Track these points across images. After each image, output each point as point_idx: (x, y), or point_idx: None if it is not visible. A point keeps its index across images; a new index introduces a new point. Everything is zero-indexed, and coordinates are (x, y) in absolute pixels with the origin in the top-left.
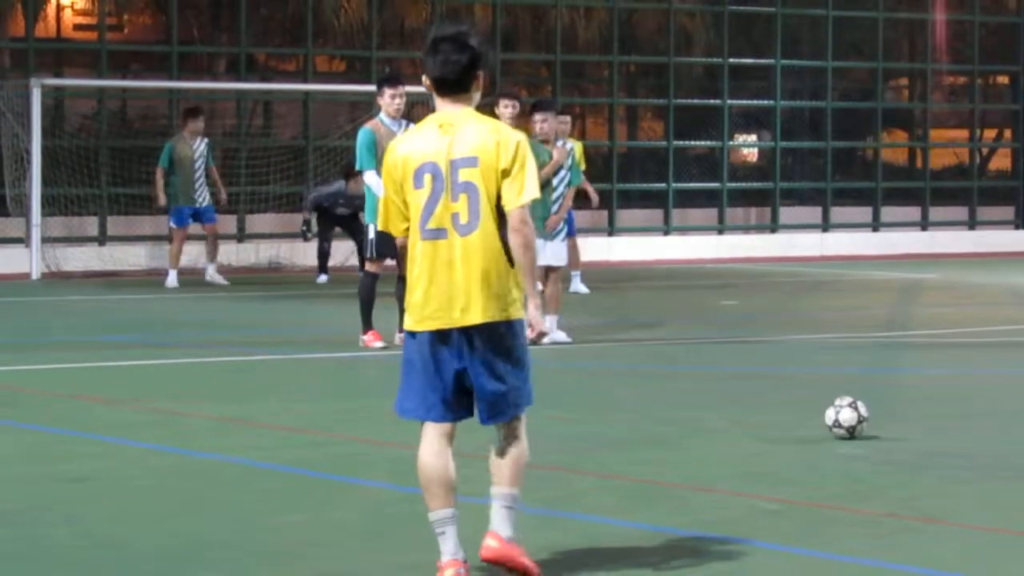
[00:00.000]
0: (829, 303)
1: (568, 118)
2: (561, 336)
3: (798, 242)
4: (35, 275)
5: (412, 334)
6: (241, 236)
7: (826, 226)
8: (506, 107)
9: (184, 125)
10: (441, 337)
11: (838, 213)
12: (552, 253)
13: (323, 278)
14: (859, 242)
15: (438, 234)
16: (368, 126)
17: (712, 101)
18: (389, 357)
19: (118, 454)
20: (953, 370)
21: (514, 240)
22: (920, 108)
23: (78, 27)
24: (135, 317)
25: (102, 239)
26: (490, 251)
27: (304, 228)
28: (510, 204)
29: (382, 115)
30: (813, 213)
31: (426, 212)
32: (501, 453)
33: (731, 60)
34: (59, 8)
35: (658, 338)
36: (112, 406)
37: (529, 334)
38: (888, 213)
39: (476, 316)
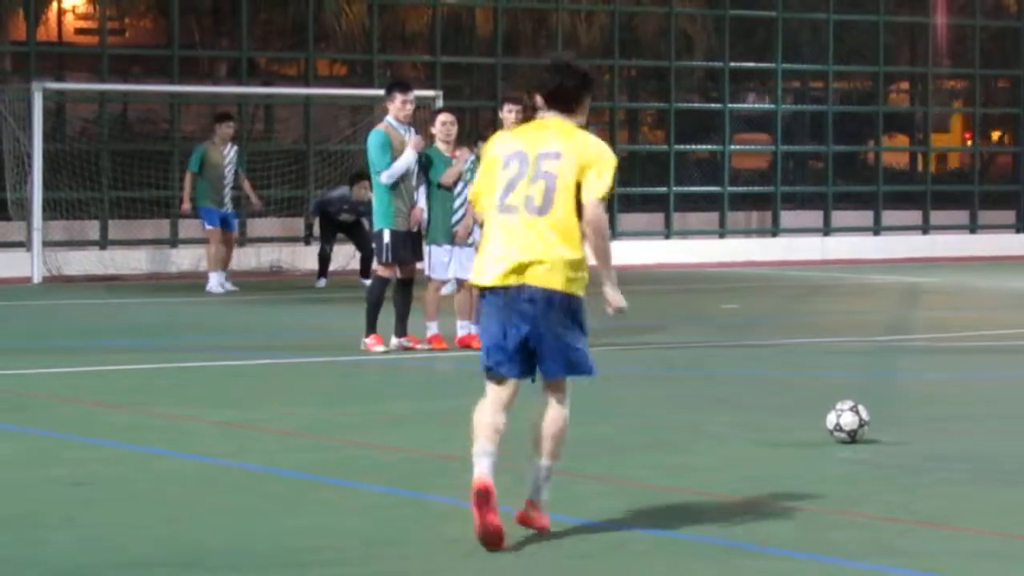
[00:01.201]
0: (830, 307)
1: None
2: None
3: (799, 246)
4: (36, 279)
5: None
6: (242, 240)
7: (827, 230)
8: (510, 111)
9: (215, 130)
10: (507, 295)
11: (839, 217)
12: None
13: (322, 282)
14: (860, 246)
15: (511, 210)
16: (380, 128)
17: (713, 105)
18: (390, 361)
19: (119, 458)
20: (953, 374)
21: (588, 229)
22: (921, 112)
23: (79, 31)
24: (136, 321)
25: (103, 243)
26: (556, 231)
27: (306, 232)
28: (586, 198)
29: (391, 119)
30: (814, 217)
31: (506, 191)
32: (547, 415)
33: (732, 64)
34: (60, 12)
35: (659, 342)
36: (113, 410)
37: (608, 311)
38: (889, 217)
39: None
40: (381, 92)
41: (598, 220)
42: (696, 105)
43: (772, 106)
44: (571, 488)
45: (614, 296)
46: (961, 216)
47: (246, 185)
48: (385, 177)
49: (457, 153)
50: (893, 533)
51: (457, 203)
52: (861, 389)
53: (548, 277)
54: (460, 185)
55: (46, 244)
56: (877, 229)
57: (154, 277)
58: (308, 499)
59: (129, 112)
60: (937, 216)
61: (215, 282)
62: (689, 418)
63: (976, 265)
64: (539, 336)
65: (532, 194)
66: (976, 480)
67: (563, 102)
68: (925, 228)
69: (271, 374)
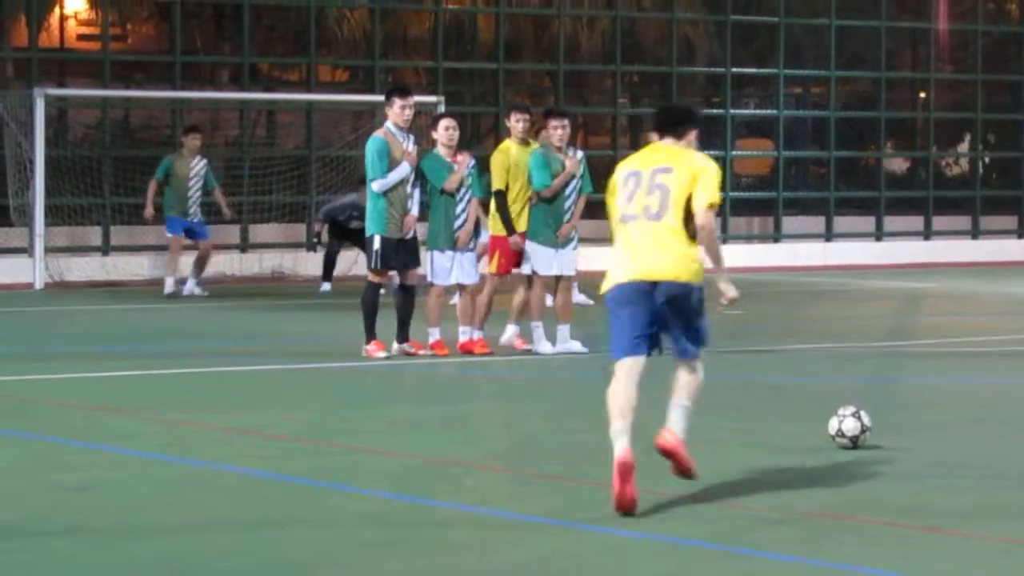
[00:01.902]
0: (832, 312)
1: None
2: (576, 346)
3: (801, 252)
4: (38, 285)
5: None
6: (244, 246)
7: (829, 235)
8: (518, 120)
9: (183, 142)
10: (637, 289)
11: (841, 223)
12: (563, 263)
13: (326, 287)
14: (862, 251)
15: (632, 218)
16: (379, 134)
17: (715, 111)
18: (392, 366)
19: (122, 463)
20: (955, 379)
21: (701, 232)
22: (923, 117)
23: (81, 37)
24: (138, 327)
25: (105, 249)
26: (672, 233)
27: (315, 240)
28: (697, 206)
29: (390, 125)
30: (816, 223)
31: (627, 202)
32: (685, 376)
33: (734, 69)
34: (62, 18)
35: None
36: (115, 416)
37: (722, 302)
38: (891, 223)
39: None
40: (383, 98)
41: (709, 224)
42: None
43: (774, 111)
44: (571, 493)
45: (727, 288)
46: (963, 222)
47: (217, 194)
48: (378, 186)
49: (459, 158)
50: (895, 539)
51: (459, 208)
52: (863, 394)
53: (673, 270)
54: (462, 191)
55: (48, 250)
56: (879, 234)
57: (156, 283)
58: (310, 505)
59: (131, 118)
60: (939, 222)
61: (170, 284)
62: (691, 423)
63: (978, 270)
64: (668, 322)
65: (649, 203)
66: (978, 486)
67: (672, 128)
68: (927, 233)
69: (273, 380)
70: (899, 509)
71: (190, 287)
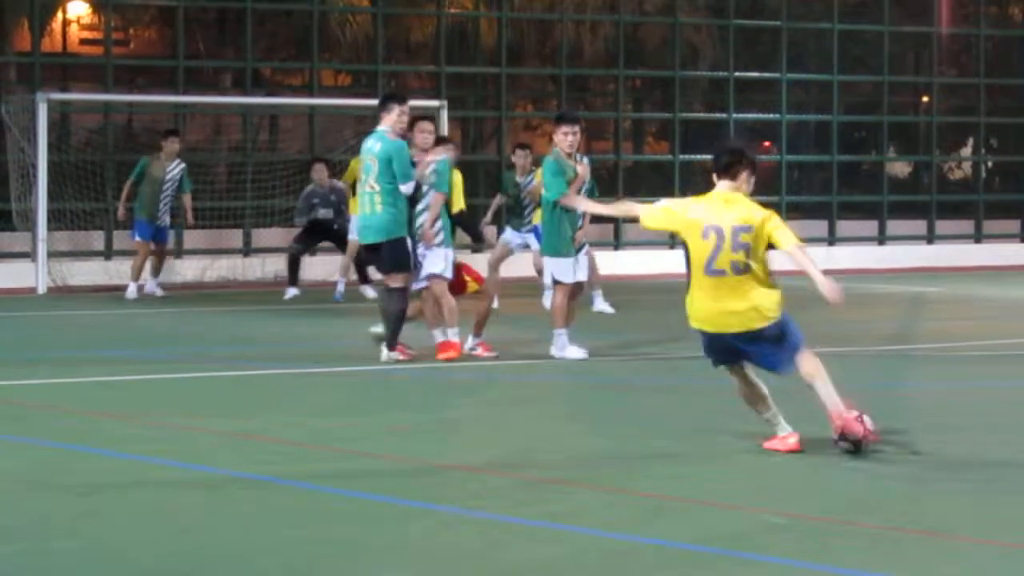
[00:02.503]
0: (834, 317)
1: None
2: (580, 353)
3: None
4: (41, 290)
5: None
6: (247, 250)
7: (832, 239)
8: (566, 135)
9: (161, 146)
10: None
11: (844, 226)
12: (581, 269)
13: (292, 292)
14: (865, 255)
15: (720, 273)
16: (395, 138)
17: (718, 115)
18: (395, 371)
19: (125, 469)
20: (959, 383)
21: (796, 256)
22: (926, 121)
23: (84, 42)
24: (141, 332)
25: (108, 254)
26: (758, 284)
27: (295, 247)
28: (786, 246)
29: (386, 130)
30: (819, 227)
31: (711, 257)
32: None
33: (737, 74)
34: (65, 23)
35: (665, 352)
36: (119, 421)
37: (834, 299)
38: (894, 227)
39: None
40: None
41: (798, 252)
42: (701, 115)
43: (777, 116)
44: (575, 498)
45: (831, 288)
46: (966, 226)
47: (187, 199)
48: (408, 188)
49: (430, 156)
50: (898, 543)
51: (420, 206)
52: (865, 399)
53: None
54: (424, 187)
55: (51, 255)
56: (882, 239)
57: (159, 288)
58: (313, 509)
59: (134, 123)
60: (942, 226)
61: (132, 289)
62: (695, 428)
63: (981, 274)
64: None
65: (737, 259)
66: (981, 490)
67: (726, 171)
68: (930, 238)
69: (275, 384)
70: (902, 513)
71: (151, 287)
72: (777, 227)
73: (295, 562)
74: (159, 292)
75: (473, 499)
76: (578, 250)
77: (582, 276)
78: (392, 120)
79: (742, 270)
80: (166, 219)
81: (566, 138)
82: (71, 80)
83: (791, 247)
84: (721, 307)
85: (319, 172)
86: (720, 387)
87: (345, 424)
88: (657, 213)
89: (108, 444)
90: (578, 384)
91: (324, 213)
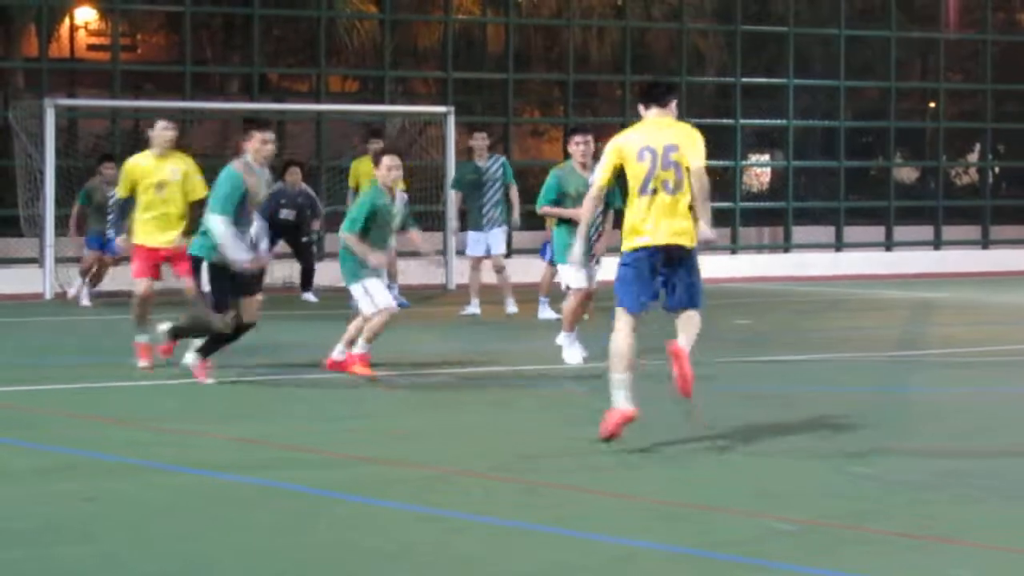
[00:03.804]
0: (841, 322)
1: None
2: (576, 358)
3: (811, 261)
4: (48, 295)
5: (633, 251)
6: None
7: (839, 245)
8: (578, 144)
9: (99, 171)
10: (651, 253)
11: (851, 232)
12: (592, 277)
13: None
14: (872, 261)
15: (653, 192)
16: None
17: (724, 120)
18: (398, 377)
19: (130, 474)
20: (965, 389)
21: (697, 183)
22: (932, 127)
23: (91, 47)
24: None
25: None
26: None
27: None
28: (695, 164)
29: (249, 159)
30: (826, 232)
31: (646, 177)
32: (684, 324)
33: (743, 79)
34: (72, 29)
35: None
36: (125, 426)
37: (708, 239)
38: (900, 232)
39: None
40: (393, 108)
41: (703, 178)
42: (708, 120)
43: (783, 121)
44: (581, 503)
45: (708, 234)
46: (973, 231)
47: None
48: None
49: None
50: (903, 549)
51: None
52: (872, 404)
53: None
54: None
55: (58, 260)
56: (889, 244)
57: (164, 293)
58: (319, 515)
59: (141, 128)
60: (949, 231)
61: (84, 294)
62: (698, 433)
63: (988, 280)
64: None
65: (667, 178)
66: (988, 496)
67: (659, 100)
68: (937, 243)
69: (282, 390)
70: (909, 519)
71: (84, 296)
72: (693, 145)
73: (300, 568)
74: (87, 303)
75: (477, 504)
76: (593, 258)
77: (587, 283)
78: (254, 147)
79: (673, 189)
80: (112, 233)
81: (578, 147)
82: (78, 86)
83: (697, 169)
84: (656, 225)
85: (293, 175)
86: (724, 392)
87: (348, 429)
88: (602, 163)
89: (114, 449)
90: (580, 388)
91: (287, 214)
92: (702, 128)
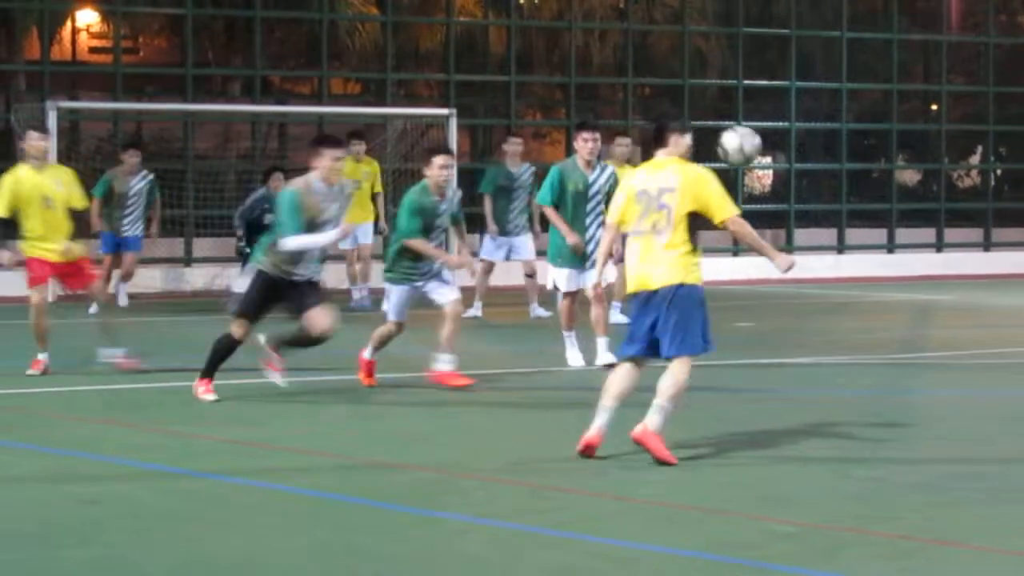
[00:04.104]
0: (844, 325)
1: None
2: (576, 360)
3: (813, 264)
4: (50, 297)
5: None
6: None
7: (841, 248)
8: (586, 141)
9: (121, 159)
10: (644, 298)
11: (853, 235)
12: (583, 278)
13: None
14: (874, 264)
15: (643, 234)
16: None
17: (726, 123)
18: (401, 380)
19: (132, 476)
20: (967, 391)
21: (739, 233)
22: (935, 129)
23: (93, 50)
24: (150, 339)
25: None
26: (676, 246)
27: (243, 249)
28: (720, 218)
29: (312, 178)
30: (828, 235)
31: (639, 218)
32: (668, 376)
33: (746, 82)
34: (75, 31)
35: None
36: (127, 428)
37: (787, 268)
38: (903, 235)
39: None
40: (395, 110)
41: (742, 227)
42: (710, 123)
43: (786, 124)
44: (584, 506)
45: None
46: (975, 234)
47: (155, 208)
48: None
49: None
50: (907, 552)
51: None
52: (874, 407)
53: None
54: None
55: None
56: (891, 247)
57: (167, 296)
58: (321, 517)
59: (143, 131)
60: (951, 234)
61: (121, 293)
62: (702, 436)
63: (990, 282)
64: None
65: (657, 220)
66: (991, 499)
67: (657, 141)
68: (939, 246)
69: (284, 392)
70: (911, 522)
71: (121, 293)
72: (712, 193)
73: (303, 571)
74: (125, 303)
75: (481, 507)
76: (584, 259)
77: (576, 285)
78: (324, 165)
79: (662, 231)
80: (134, 230)
81: (586, 145)
82: (80, 88)
83: (730, 219)
84: (643, 269)
85: (276, 181)
86: (725, 395)
87: (348, 431)
88: (616, 201)
89: (116, 452)
90: (582, 392)
91: (270, 219)
92: (704, 131)
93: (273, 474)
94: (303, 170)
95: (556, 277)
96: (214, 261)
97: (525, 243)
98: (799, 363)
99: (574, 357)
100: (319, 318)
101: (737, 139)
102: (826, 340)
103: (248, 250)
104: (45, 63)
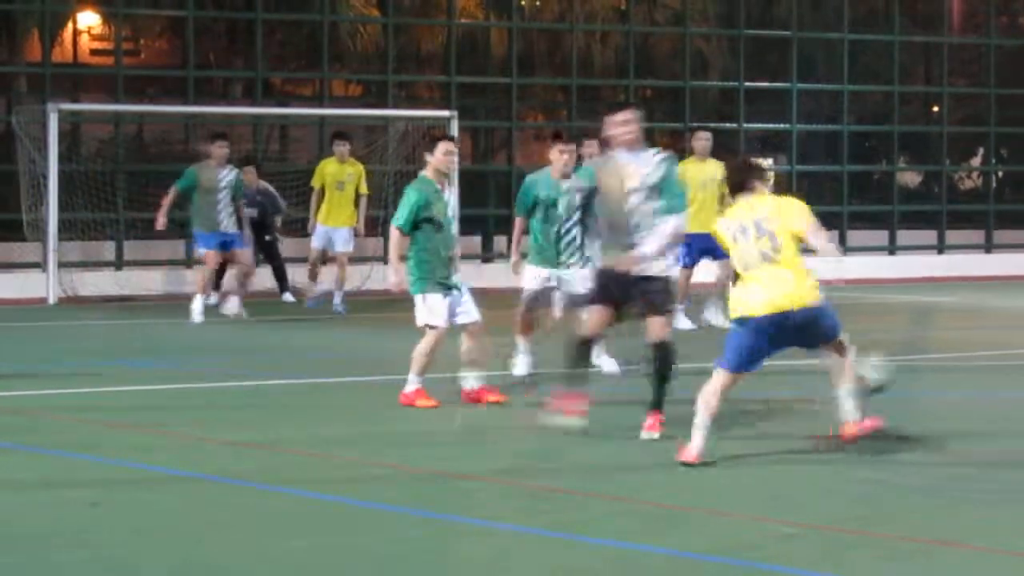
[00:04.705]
0: (845, 326)
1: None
2: (521, 368)
3: (814, 265)
4: (52, 300)
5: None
6: (257, 261)
7: (842, 249)
8: (562, 153)
9: (208, 151)
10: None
11: (854, 236)
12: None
13: (213, 299)
14: (875, 265)
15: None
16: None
17: (728, 125)
18: (402, 381)
19: (134, 478)
20: (969, 393)
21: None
22: (936, 131)
23: (95, 52)
24: (152, 342)
25: (118, 264)
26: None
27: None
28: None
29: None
30: (829, 237)
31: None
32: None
33: (747, 84)
34: (76, 33)
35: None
36: (128, 430)
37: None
38: (904, 236)
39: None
40: (396, 112)
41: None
42: (711, 125)
43: (787, 126)
44: (585, 507)
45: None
46: (976, 236)
47: (241, 206)
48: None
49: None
50: (905, 553)
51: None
52: (877, 409)
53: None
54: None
55: (61, 265)
56: (892, 248)
57: (169, 298)
58: (321, 517)
59: (144, 133)
60: (952, 235)
61: (199, 308)
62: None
63: (991, 284)
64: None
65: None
66: (994, 500)
67: (739, 190)
68: (940, 247)
69: (285, 394)
70: (912, 523)
71: (230, 306)
72: (811, 220)
73: (303, 571)
74: (238, 311)
75: (480, 508)
76: (558, 266)
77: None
78: (437, 158)
79: (773, 257)
80: (231, 227)
81: (563, 157)
82: (81, 90)
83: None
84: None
85: (248, 174)
86: (729, 397)
87: (352, 433)
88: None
89: (118, 454)
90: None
91: (249, 212)
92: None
93: (271, 475)
94: (310, 172)
95: (528, 276)
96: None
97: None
98: (799, 364)
99: (520, 366)
100: (653, 327)
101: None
102: None
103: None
104: (46, 65)
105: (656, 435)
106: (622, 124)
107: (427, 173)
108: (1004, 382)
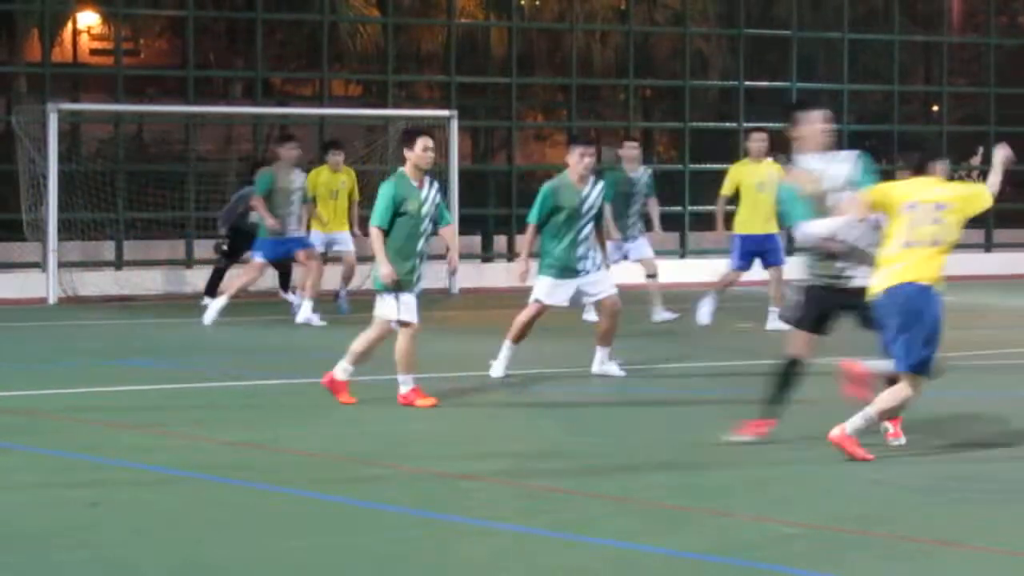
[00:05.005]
0: (845, 326)
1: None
2: (497, 371)
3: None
4: (52, 299)
5: None
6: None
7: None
8: (583, 156)
9: (278, 154)
10: None
11: None
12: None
13: (205, 300)
14: None
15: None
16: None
17: (728, 124)
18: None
19: (134, 479)
20: (969, 393)
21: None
22: (936, 130)
23: (94, 52)
24: (151, 342)
25: (118, 264)
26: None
27: (221, 249)
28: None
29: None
30: None
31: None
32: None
33: (747, 83)
34: (75, 33)
35: (673, 362)
36: (128, 430)
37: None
38: None
39: None
40: (396, 112)
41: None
42: (711, 124)
43: (787, 125)
44: (584, 508)
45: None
46: (976, 235)
47: (306, 208)
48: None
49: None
50: (912, 553)
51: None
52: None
53: None
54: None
55: (61, 265)
56: None
57: (169, 297)
58: (321, 517)
59: (144, 133)
60: None
61: (307, 310)
62: (703, 438)
63: (991, 284)
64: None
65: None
66: (991, 499)
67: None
68: None
69: (285, 394)
70: (912, 523)
71: (306, 312)
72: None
73: (303, 571)
74: (316, 321)
75: (480, 509)
76: (575, 274)
77: (553, 301)
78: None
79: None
80: (299, 229)
81: (584, 160)
82: (81, 90)
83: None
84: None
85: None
86: (726, 396)
87: (347, 433)
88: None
89: (118, 454)
90: (586, 393)
91: (255, 217)
92: (705, 132)
93: (271, 475)
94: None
95: (538, 284)
96: (215, 263)
97: (644, 245)
98: None
99: (497, 368)
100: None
101: None
102: (827, 342)
103: (227, 250)
104: (46, 65)
105: (747, 438)
106: (823, 122)
107: (405, 169)
108: (1004, 382)
